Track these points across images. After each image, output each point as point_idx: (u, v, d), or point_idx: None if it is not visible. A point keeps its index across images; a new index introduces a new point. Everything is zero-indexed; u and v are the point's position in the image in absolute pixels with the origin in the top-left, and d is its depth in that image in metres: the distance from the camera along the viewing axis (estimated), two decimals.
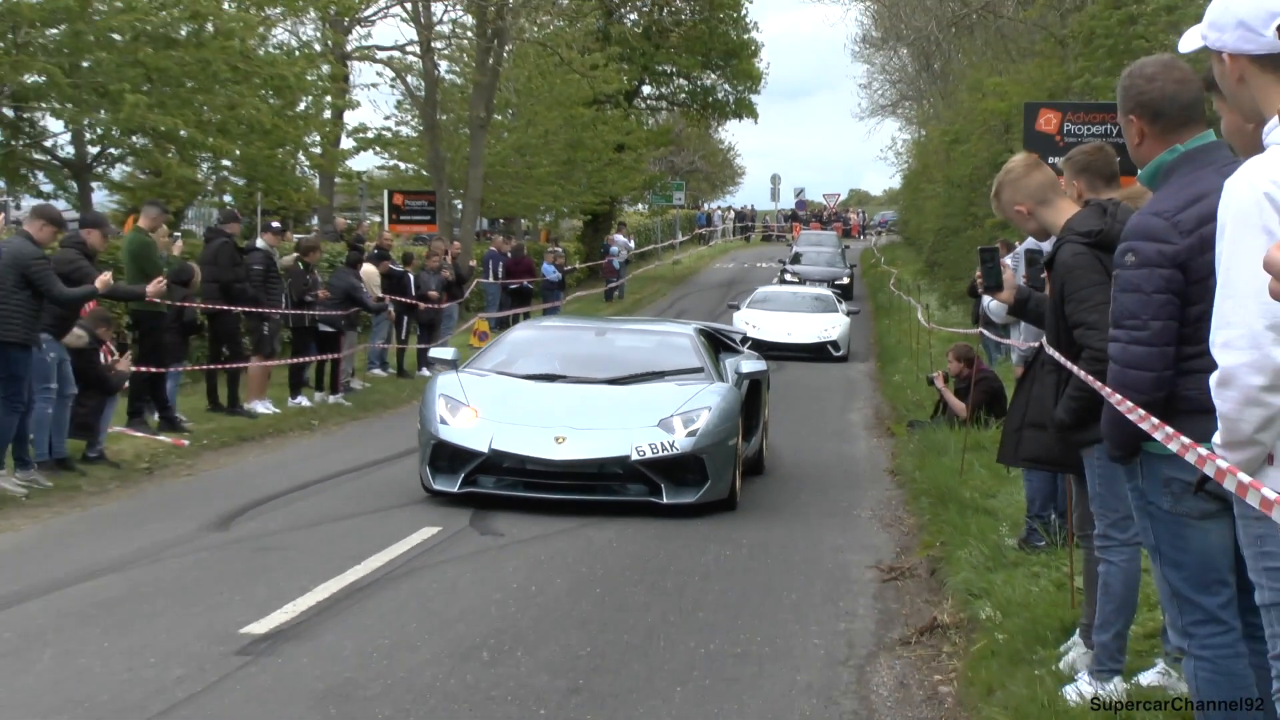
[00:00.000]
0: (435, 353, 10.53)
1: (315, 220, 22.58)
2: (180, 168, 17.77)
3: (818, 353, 20.70)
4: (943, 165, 28.25)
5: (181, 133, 16.48)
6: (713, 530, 9.10)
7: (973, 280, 15.35)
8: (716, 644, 6.35)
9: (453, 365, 9.80)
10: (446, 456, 8.67)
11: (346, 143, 25.69)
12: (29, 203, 17.26)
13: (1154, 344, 3.55)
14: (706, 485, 8.62)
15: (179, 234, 16.75)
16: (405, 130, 28.85)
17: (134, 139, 17.64)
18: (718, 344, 11.09)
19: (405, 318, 15.86)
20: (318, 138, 22.10)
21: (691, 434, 8.61)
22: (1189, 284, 3.42)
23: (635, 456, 8.49)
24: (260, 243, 12.98)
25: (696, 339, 10.28)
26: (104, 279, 9.10)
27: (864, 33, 37.42)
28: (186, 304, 11.61)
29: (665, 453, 8.52)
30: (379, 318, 15.28)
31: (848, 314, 23.36)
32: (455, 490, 8.52)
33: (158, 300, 10.49)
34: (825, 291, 24.77)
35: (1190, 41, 2.97)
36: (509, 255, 22.01)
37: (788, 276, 29.74)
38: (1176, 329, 3.49)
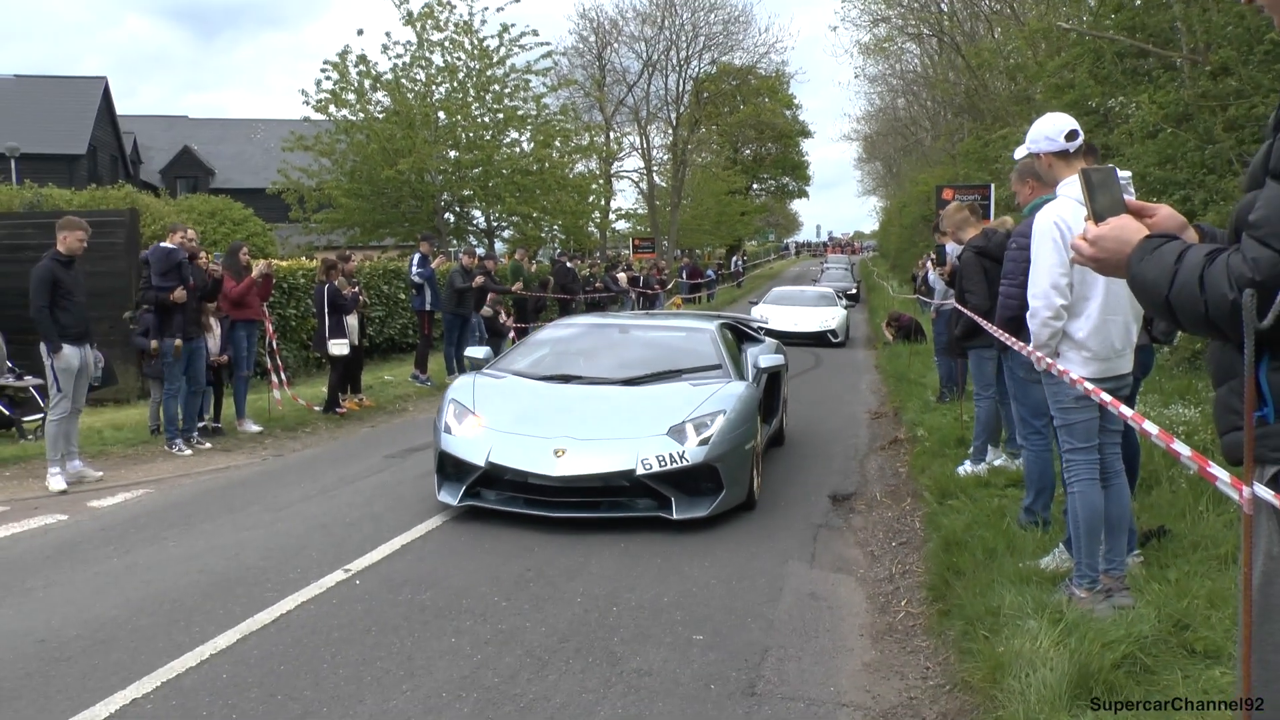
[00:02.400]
0: (470, 352, 9.75)
1: (598, 254, 38.92)
2: (532, 231, 32.55)
3: (819, 339, 23.47)
4: (897, 217, 51.37)
5: (533, 214, 30.99)
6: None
7: (914, 272, 27.12)
8: (795, 438, 10.62)
9: (481, 365, 9.15)
10: (451, 466, 7.70)
11: (612, 217, 44.52)
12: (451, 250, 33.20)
13: (1016, 292, 5.54)
14: (721, 495, 7.43)
15: (536, 261, 29.94)
16: (639, 209, 49.58)
17: (512, 218, 31.58)
18: (741, 335, 10.58)
19: (641, 297, 29.48)
20: (597, 215, 38.42)
21: (704, 442, 7.42)
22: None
23: (641, 470, 7.27)
24: (569, 264, 26.32)
25: (718, 335, 9.42)
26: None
27: (859, 155, 67.25)
28: (544, 294, 21.53)
29: (675, 465, 7.31)
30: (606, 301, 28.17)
31: (846, 308, 26.41)
32: (456, 503, 7.54)
33: (526, 293, 19.21)
34: (827, 290, 28.53)
35: (1020, 151, 5.27)
36: (690, 266, 38.42)
37: (825, 267, 47.70)
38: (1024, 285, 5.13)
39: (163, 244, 10.65)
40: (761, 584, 6.20)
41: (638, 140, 48.28)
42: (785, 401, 10.95)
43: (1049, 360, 4.90)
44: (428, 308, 16.15)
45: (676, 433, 7.55)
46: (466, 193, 30.47)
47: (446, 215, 30.64)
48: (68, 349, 8.92)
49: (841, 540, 7.30)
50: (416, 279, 15.95)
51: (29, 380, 11.18)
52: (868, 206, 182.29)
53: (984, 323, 7.20)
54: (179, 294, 10.37)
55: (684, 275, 37.39)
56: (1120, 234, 2.42)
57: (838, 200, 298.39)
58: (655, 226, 47.62)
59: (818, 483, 9.08)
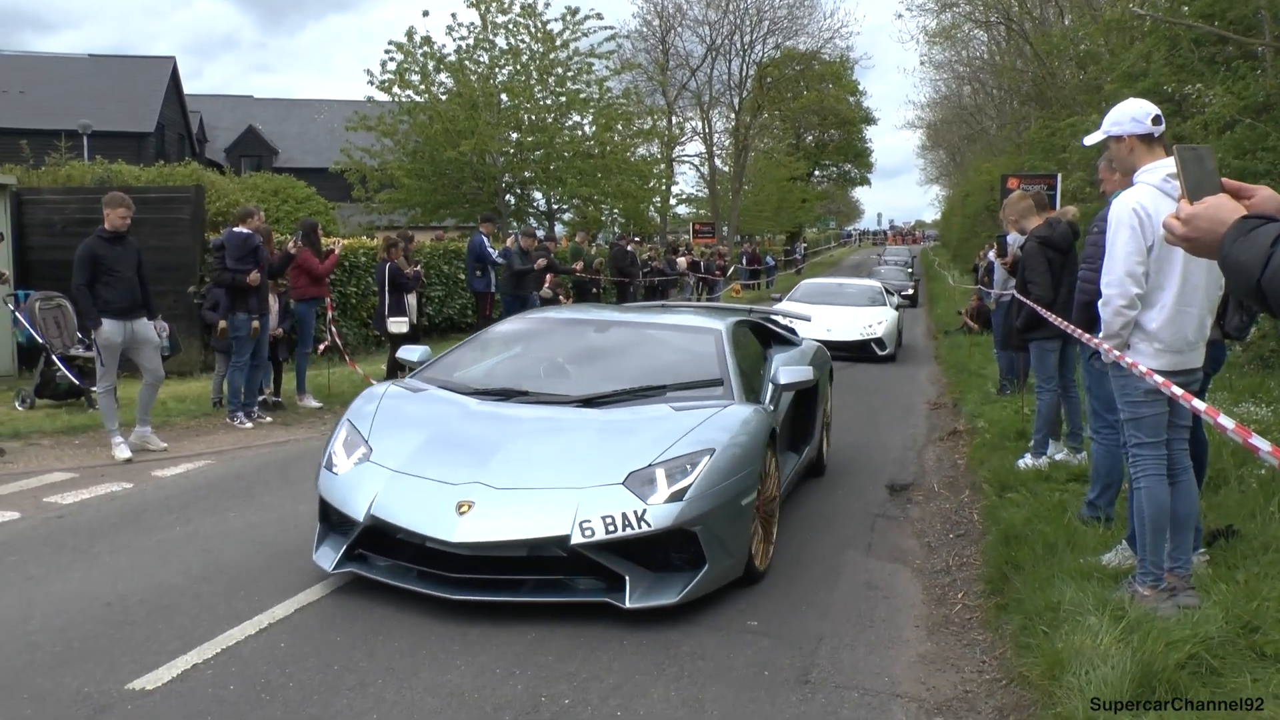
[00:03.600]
0: (403, 353, 7.43)
1: (657, 238, 38.72)
2: (594, 213, 32.48)
3: (860, 351, 17.79)
4: (959, 207, 49.22)
5: (594, 196, 31.06)
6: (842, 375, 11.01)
7: (975, 262, 26.34)
8: (852, 425, 10.64)
9: (412, 370, 7.09)
10: (335, 515, 5.55)
11: (672, 201, 44.42)
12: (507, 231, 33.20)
13: (1094, 278, 5.26)
14: (701, 572, 5.19)
15: (596, 244, 29.34)
16: (699, 193, 49.64)
17: (573, 200, 31.60)
18: (768, 337, 8.43)
19: (700, 282, 29.46)
20: (658, 199, 38.21)
21: (678, 496, 5.17)
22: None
23: (579, 538, 4.99)
24: (630, 247, 26.86)
25: (727, 337, 6.96)
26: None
27: (923, 143, 66.68)
28: (600, 276, 21.20)
29: (630, 530, 5.03)
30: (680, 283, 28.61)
31: (897, 307, 20.68)
32: (331, 570, 5.42)
33: (585, 275, 19.04)
34: (873, 283, 22.72)
35: (1094, 138, 4.94)
36: (750, 252, 38.10)
37: (882, 260, 43.19)
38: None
39: (238, 229, 10.83)
40: (817, 572, 6.15)
41: (700, 125, 48.18)
42: (828, 422, 8.95)
43: (1117, 352, 4.78)
44: (491, 289, 16.27)
45: (639, 481, 5.25)
46: (528, 175, 30.67)
47: (507, 197, 30.76)
48: (108, 324, 9.01)
49: (898, 530, 7.22)
50: (500, 259, 16.09)
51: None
52: (930, 195, 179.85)
53: (1046, 313, 7.08)
54: (254, 277, 10.60)
55: (744, 261, 37.25)
56: (1215, 213, 2.32)
57: (900, 189, 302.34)
58: (716, 211, 47.32)
59: (875, 472, 9.00)
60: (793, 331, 9.19)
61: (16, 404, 11.29)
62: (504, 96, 29.08)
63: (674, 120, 46.03)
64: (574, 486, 5.26)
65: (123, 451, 9.03)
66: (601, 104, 31.26)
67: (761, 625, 5.21)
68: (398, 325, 12.73)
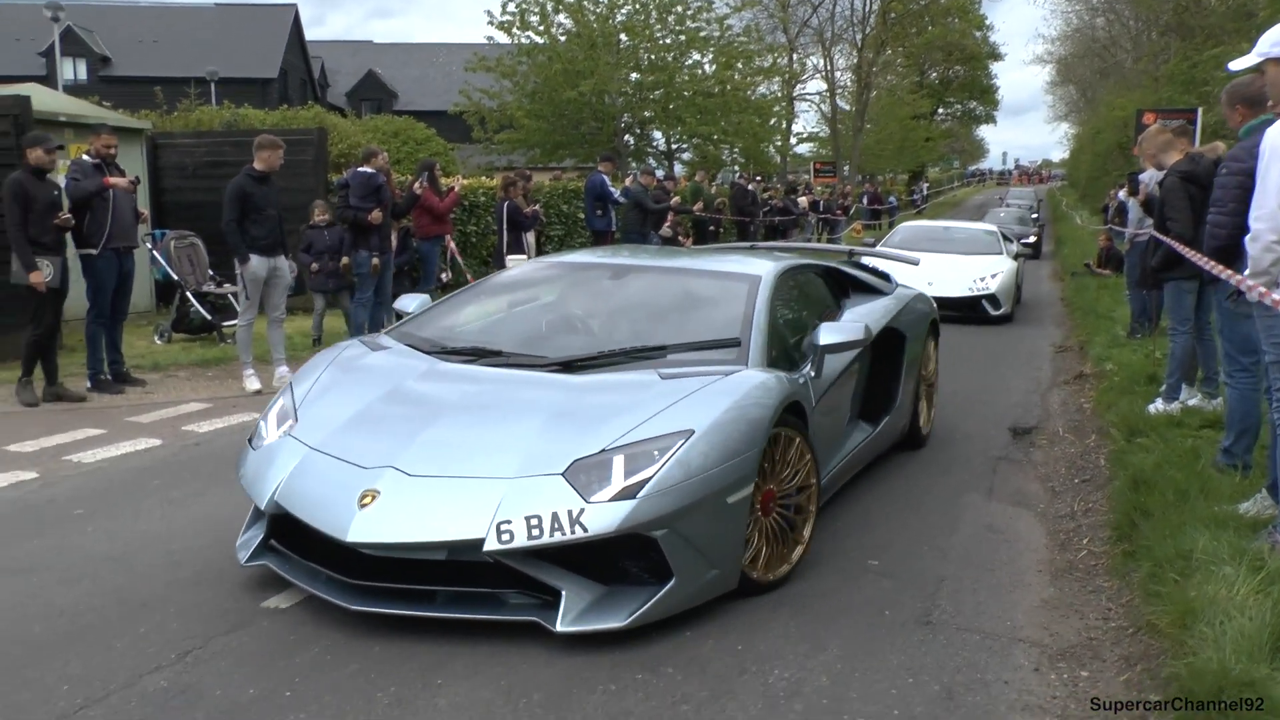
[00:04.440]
0: (401, 303, 6.16)
1: (776, 178, 38.10)
2: (714, 152, 32.37)
3: (969, 309, 14.73)
4: (1089, 145, 45.54)
5: (714, 136, 31.07)
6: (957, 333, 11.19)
7: (1104, 202, 24.94)
8: (972, 367, 10.93)
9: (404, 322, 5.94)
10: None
11: (792, 140, 43.68)
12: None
13: (1226, 221, 5.29)
14: (666, 587, 4.14)
15: (715, 184, 28.51)
16: (820, 132, 48.04)
17: (693, 140, 31.65)
18: (845, 286, 7.07)
19: (821, 222, 29.04)
20: (778, 138, 37.85)
21: (631, 491, 4.05)
22: (1252, 187, 4.63)
23: (494, 543, 3.95)
24: (751, 186, 26.14)
25: (762, 289, 5.61)
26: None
27: (1051, 79, 63.38)
28: (719, 215, 20.58)
29: (560, 535, 3.95)
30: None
31: (1016, 256, 16.96)
32: (244, 563, 4.65)
33: (705, 214, 19.13)
34: (987, 226, 19.20)
35: (1246, 60, 4.66)
36: (872, 192, 37.05)
37: (1005, 203, 38.36)
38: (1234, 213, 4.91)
39: (362, 169, 11.07)
40: (937, 514, 6.07)
41: (821, 63, 47.08)
42: (930, 384, 7.78)
43: (1263, 289, 4.56)
44: (611, 228, 16.36)
45: (586, 471, 4.16)
46: (647, 114, 30.61)
47: (626, 137, 30.76)
48: (255, 260, 9.32)
49: (1021, 474, 7.06)
50: (621, 199, 16.12)
51: (228, 288, 11.79)
52: (1058, 134, 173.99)
53: (1187, 251, 6.78)
54: (376, 215, 10.86)
55: (865, 201, 36.61)
56: None
57: (1026, 127, 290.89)
58: (837, 151, 46.29)
59: (997, 415, 8.80)
60: (885, 277, 7.80)
61: (155, 338, 11.82)
62: (623, 36, 29.05)
63: (794, 58, 45.10)
64: (502, 476, 4.17)
65: (253, 383, 9.38)
66: (721, 42, 30.86)
67: (882, 566, 5.17)
68: (516, 262, 12.82)
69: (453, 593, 4.20)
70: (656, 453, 4.21)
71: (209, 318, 11.64)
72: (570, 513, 4.01)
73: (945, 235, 17.62)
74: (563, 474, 4.15)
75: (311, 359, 5.65)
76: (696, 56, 30.75)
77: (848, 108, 48.07)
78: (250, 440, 4.99)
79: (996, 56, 65.23)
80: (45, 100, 13.00)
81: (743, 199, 22.07)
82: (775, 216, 24.14)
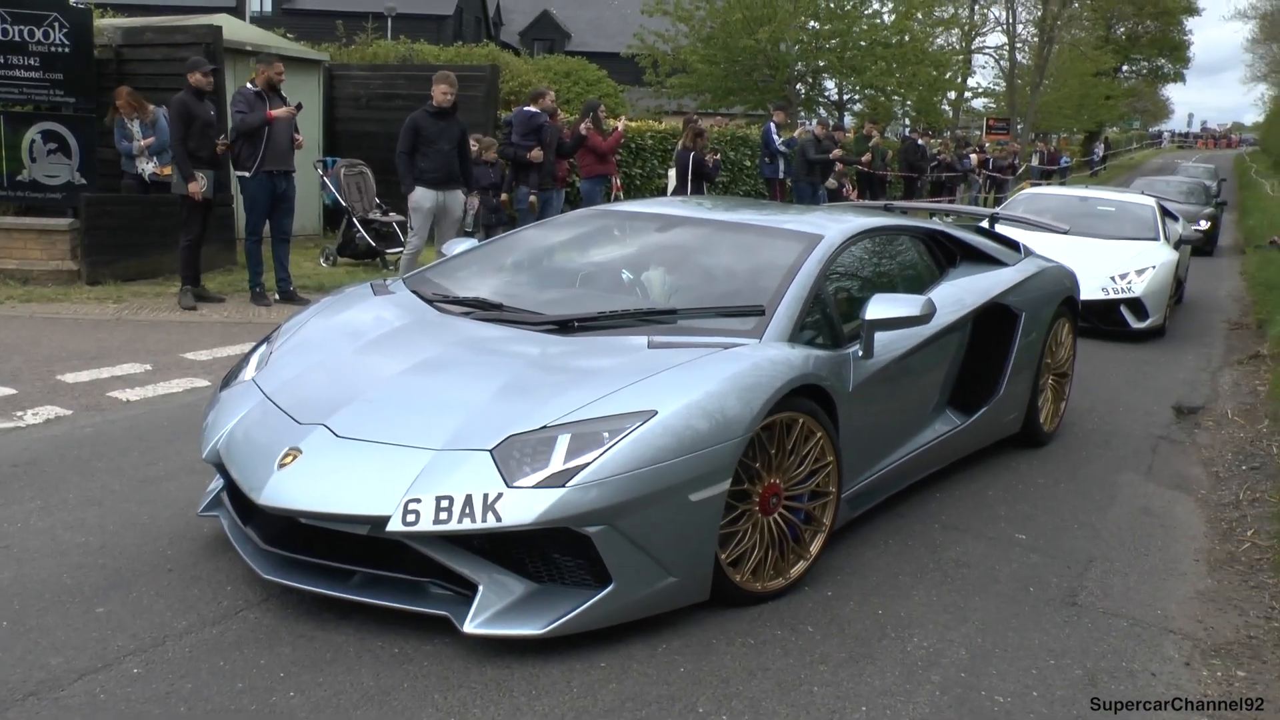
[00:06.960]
0: (448, 246, 5.87)
1: (948, 132, 37.14)
2: (886, 104, 31.58)
3: (1101, 317, 10.68)
4: None
5: (887, 88, 30.28)
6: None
7: None
8: (1139, 354, 10.34)
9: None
10: None
11: (967, 95, 41.86)
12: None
13: None
14: (602, 593, 3.55)
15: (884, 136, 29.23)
16: (996, 86, 45.91)
17: (866, 91, 30.95)
18: (951, 254, 6.17)
19: (990, 180, 27.82)
20: (953, 92, 36.77)
21: (563, 477, 3.45)
22: None
23: (399, 523, 3.43)
24: (922, 141, 22.69)
25: (819, 251, 4.84)
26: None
27: (1253, 35, 59.81)
28: (886, 170, 19.77)
29: (469, 522, 3.40)
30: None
31: (1178, 244, 12.36)
32: (199, 513, 4.41)
33: (872, 169, 18.33)
34: (1143, 201, 13.06)
35: None
36: (1047, 151, 36.38)
37: (1181, 169, 32.56)
38: None
39: (526, 108, 11.26)
40: (1091, 491, 5.84)
41: (1002, 14, 45.04)
42: (1061, 373, 6.82)
43: None
44: (780, 175, 16.19)
45: (521, 449, 3.57)
46: (822, 64, 30.11)
47: (798, 86, 30.27)
48: (420, 190, 9.63)
49: (1183, 456, 6.73)
50: (784, 148, 16.00)
51: (394, 216, 12.10)
52: (1253, 95, 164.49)
53: None
54: (535, 154, 11.09)
55: (1037, 160, 35.19)
56: None
57: (1219, 87, 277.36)
58: (1012, 107, 44.26)
59: (1161, 391, 8.42)
60: (1015, 246, 6.84)
61: (322, 260, 12.30)
62: None
63: (976, 9, 43.44)
64: (428, 447, 3.64)
65: None
66: None
67: (1030, 540, 5.00)
68: None
69: (370, 575, 3.71)
70: (606, 434, 3.58)
71: (373, 244, 12.00)
72: (486, 497, 3.43)
73: (1083, 208, 12.76)
74: (491, 450, 3.57)
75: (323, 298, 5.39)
76: (876, 5, 30.23)
77: (1027, 62, 45.83)
78: (225, 381, 4.60)
79: (1193, 11, 60.61)
80: (234, 30, 13.62)
81: (913, 154, 21.60)
82: (942, 172, 23.58)
